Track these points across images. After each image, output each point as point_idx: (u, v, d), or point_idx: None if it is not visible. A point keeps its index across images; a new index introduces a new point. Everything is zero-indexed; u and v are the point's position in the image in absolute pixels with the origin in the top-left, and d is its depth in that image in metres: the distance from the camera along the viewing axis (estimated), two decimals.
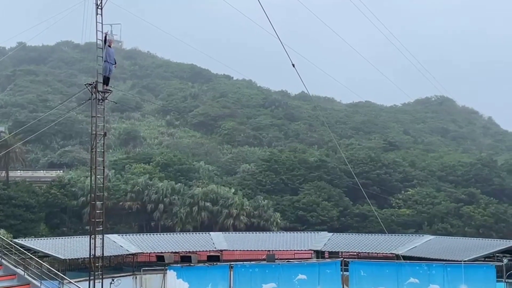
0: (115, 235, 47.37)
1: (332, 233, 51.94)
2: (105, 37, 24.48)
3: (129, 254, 44.07)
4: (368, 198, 72.73)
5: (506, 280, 37.57)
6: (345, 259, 43.02)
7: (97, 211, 24.86)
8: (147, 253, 45.40)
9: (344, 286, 41.74)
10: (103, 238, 24.89)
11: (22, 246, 37.02)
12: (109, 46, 24.86)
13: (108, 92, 25.12)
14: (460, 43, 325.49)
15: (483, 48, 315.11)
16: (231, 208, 76.21)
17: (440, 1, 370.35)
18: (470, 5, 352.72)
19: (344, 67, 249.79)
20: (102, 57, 24.60)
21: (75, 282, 29.22)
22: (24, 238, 51.30)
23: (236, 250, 47.91)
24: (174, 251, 44.98)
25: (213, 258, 43.35)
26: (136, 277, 42.42)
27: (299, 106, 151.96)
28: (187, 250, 45.10)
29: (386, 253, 44.95)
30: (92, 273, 24.78)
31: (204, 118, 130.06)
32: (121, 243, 44.83)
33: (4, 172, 76.96)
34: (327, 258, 47.00)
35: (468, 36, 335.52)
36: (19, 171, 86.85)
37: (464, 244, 44.54)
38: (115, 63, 25.56)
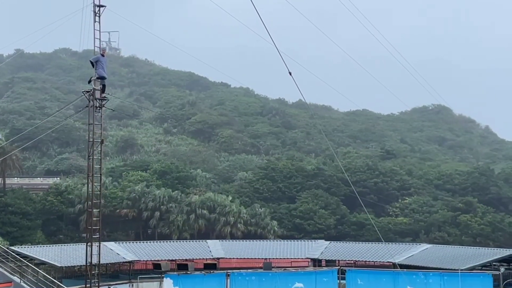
0: (112, 243, 47.40)
1: (329, 242, 52.07)
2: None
3: (126, 262, 44.08)
4: (365, 206, 72.83)
5: None
6: (342, 268, 43.06)
7: (94, 219, 24.79)
8: (143, 260, 45.41)
9: None
10: (99, 246, 24.82)
11: (18, 253, 37.02)
12: (102, 55, 24.75)
13: (105, 100, 25.09)
14: (459, 47, 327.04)
15: (482, 55, 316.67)
16: (228, 216, 76.12)
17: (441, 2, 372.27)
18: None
19: (341, 75, 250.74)
20: (102, 64, 24.60)
21: None
22: (21, 245, 51.20)
23: (233, 258, 48.00)
24: (170, 259, 45.01)
25: (210, 266, 43.34)
26: (132, 285, 42.39)
27: (297, 114, 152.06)
28: (184, 258, 45.14)
29: (383, 262, 45.02)
30: (89, 280, 24.69)
31: (202, 126, 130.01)
32: (117, 251, 44.84)
33: (0, 179, 76.77)
34: (324, 266, 47.11)
35: (468, 41, 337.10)
36: (16, 178, 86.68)
37: (461, 253, 44.64)
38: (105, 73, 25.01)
